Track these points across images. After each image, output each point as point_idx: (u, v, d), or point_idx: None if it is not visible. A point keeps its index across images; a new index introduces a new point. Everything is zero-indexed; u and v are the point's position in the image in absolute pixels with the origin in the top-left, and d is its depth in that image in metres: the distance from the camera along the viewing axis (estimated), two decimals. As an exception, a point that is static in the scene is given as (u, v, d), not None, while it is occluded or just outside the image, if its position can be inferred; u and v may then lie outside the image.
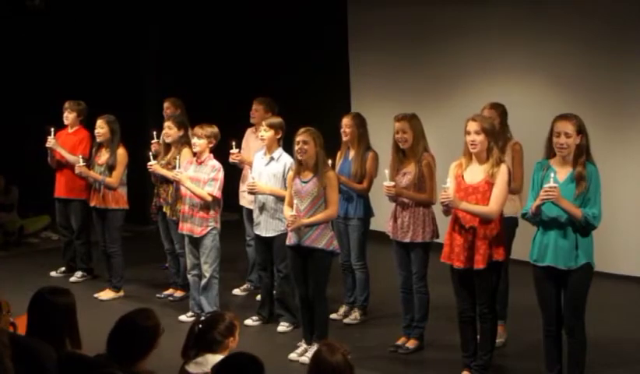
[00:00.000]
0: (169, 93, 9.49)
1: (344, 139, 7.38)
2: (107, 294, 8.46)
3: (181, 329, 5.10)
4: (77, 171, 8.41)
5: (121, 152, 8.37)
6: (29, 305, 4.28)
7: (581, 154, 5.51)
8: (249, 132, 8.40)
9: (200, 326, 4.59)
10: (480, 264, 5.82)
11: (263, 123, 7.41)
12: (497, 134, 6.15)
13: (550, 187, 5.35)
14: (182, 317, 7.62)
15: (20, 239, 10.88)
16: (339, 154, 7.44)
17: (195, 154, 7.50)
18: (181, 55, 11.88)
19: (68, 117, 8.97)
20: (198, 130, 7.40)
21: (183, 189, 7.48)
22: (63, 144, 8.88)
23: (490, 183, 5.81)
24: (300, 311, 6.84)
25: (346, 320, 7.57)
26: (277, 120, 7.38)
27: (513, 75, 9.60)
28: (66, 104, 9.00)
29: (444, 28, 10.19)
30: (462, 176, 5.92)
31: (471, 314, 6.05)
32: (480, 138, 5.80)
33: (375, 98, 10.86)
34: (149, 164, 7.95)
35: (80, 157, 8.43)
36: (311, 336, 6.67)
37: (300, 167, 6.55)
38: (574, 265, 5.53)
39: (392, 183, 6.48)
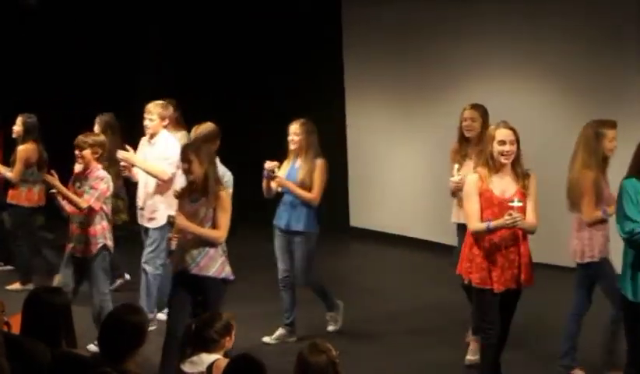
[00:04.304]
0: (168, 93, 9.43)
1: (292, 147, 6.77)
2: (16, 286, 8.36)
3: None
4: None
5: (23, 148, 8.33)
6: (24, 304, 4.25)
7: None
8: (143, 140, 7.52)
9: (196, 324, 4.56)
10: (528, 283, 5.42)
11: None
12: (479, 135, 6.06)
13: None
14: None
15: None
16: (285, 162, 6.86)
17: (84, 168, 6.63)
18: (181, 55, 11.86)
19: None
20: (80, 140, 6.55)
21: (68, 207, 6.57)
22: None
23: (524, 195, 5.34)
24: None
25: (330, 328, 7.09)
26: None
27: (510, 73, 9.56)
28: None
29: (440, 25, 10.11)
30: (491, 190, 5.34)
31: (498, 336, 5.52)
32: (514, 148, 5.33)
33: (370, 95, 10.78)
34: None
35: None
36: None
37: (189, 185, 5.90)
38: None
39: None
